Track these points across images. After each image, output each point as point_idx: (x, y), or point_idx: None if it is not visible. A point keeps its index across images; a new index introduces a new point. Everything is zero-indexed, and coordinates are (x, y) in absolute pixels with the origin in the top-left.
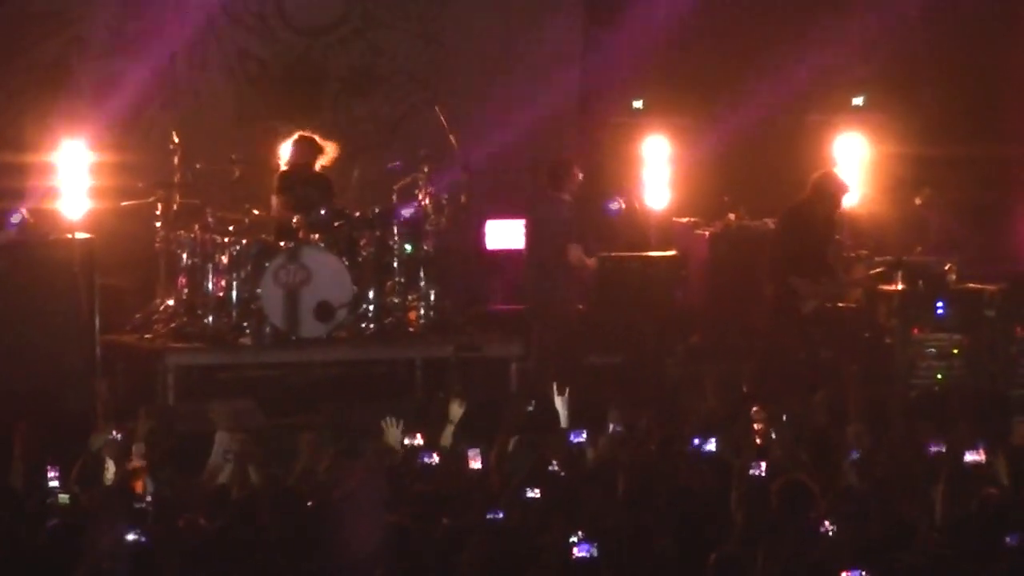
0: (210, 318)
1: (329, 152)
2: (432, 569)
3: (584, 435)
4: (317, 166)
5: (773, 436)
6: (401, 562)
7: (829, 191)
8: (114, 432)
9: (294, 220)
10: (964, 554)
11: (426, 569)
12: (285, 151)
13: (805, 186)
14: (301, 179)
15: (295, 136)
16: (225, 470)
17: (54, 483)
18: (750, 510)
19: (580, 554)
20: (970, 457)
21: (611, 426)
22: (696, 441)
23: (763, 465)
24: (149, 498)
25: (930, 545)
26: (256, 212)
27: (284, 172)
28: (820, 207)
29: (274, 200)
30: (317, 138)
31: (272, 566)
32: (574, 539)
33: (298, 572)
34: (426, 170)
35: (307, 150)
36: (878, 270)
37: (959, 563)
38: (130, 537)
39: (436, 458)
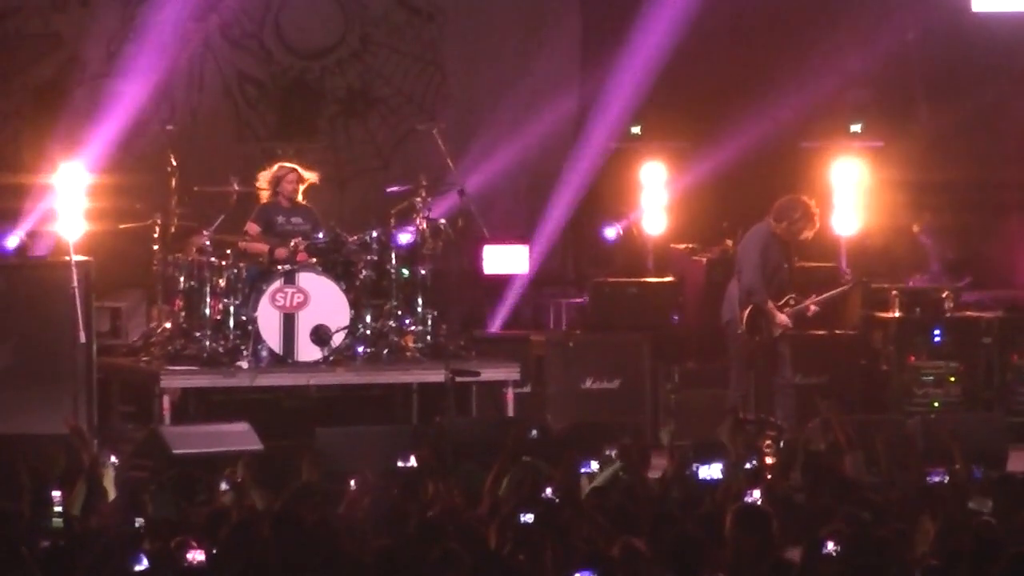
0: (207, 341)
1: (311, 180)
2: None
3: (593, 465)
4: (300, 196)
5: (769, 461)
6: None
7: (793, 216)
8: (112, 457)
9: (274, 251)
10: None
11: None
12: (266, 179)
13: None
14: (285, 210)
15: (276, 167)
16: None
17: (58, 507)
18: (741, 536)
19: None
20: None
21: (607, 451)
22: (694, 466)
23: (756, 492)
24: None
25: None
26: None
27: (266, 204)
28: (779, 230)
29: (250, 227)
30: (299, 168)
31: None
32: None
33: None
34: (424, 194)
35: (289, 176)
36: (839, 290)
37: None
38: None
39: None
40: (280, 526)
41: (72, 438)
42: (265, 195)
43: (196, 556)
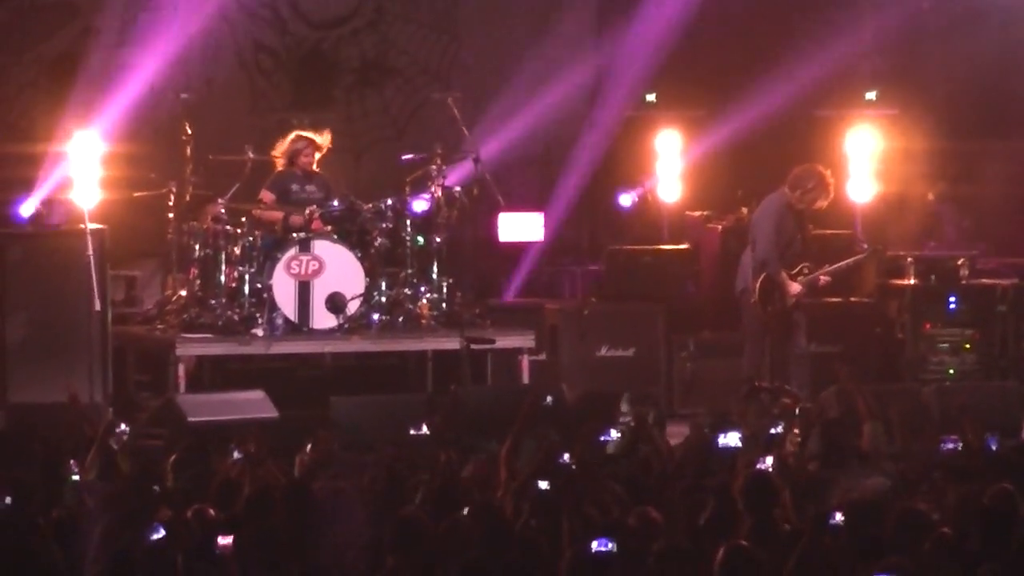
0: (222, 309)
1: (325, 147)
2: (441, 561)
3: (612, 434)
4: (315, 165)
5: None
6: (411, 555)
7: (807, 185)
8: (122, 425)
9: (288, 218)
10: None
11: (434, 561)
12: (282, 150)
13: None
14: (300, 178)
15: (292, 135)
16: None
17: (75, 476)
18: (755, 505)
19: (599, 549)
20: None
21: (621, 419)
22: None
23: (769, 459)
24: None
25: (941, 540)
26: None
27: (281, 172)
28: (794, 199)
29: (264, 195)
30: (316, 137)
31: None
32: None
33: (308, 565)
34: (439, 163)
35: (307, 149)
36: (852, 259)
37: (969, 557)
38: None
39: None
40: (292, 498)
41: (72, 407)
42: (280, 164)
43: (225, 542)
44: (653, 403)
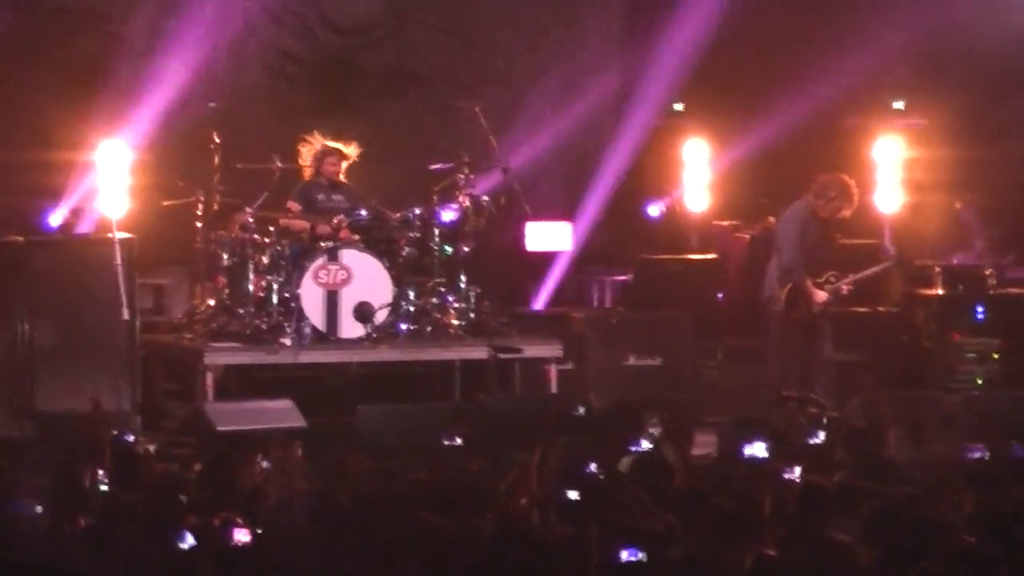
0: (250, 318)
1: (351, 157)
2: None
3: (643, 444)
4: (341, 174)
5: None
6: (437, 562)
7: (829, 194)
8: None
9: (316, 227)
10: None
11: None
12: (308, 159)
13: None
14: (326, 188)
15: (319, 146)
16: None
17: (103, 485)
18: (783, 514)
19: (628, 558)
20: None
21: (649, 428)
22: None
23: (797, 469)
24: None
25: (961, 548)
26: None
27: (307, 182)
28: (818, 207)
29: (291, 205)
30: (342, 146)
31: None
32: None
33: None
34: (466, 172)
35: (333, 159)
36: (878, 267)
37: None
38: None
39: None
40: (319, 507)
41: (94, 415)
42: (307, 173)
43: (241, 536)
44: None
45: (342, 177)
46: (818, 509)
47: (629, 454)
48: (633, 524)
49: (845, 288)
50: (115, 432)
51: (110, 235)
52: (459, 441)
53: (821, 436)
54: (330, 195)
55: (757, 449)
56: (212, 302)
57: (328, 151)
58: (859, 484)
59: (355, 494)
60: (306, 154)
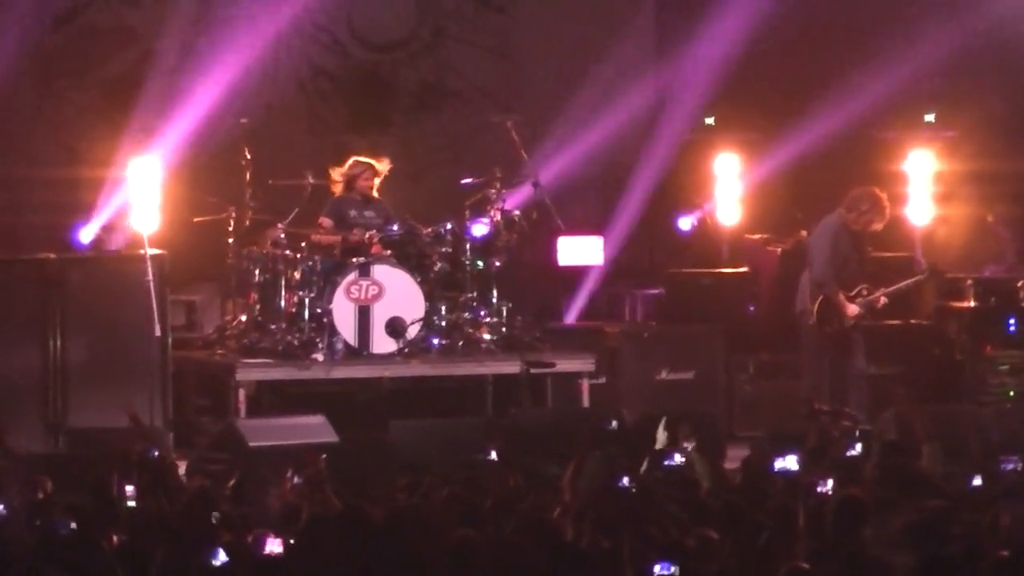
0: (282, 334)
1: (383, 173)
2: None
3: (676, 458)
4: (374, 190)
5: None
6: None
7: (861, 207)
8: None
9: (354, 233)
10: None
11: None
12: (340, 175)
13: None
14: (358, 203)
15: (351, 161)
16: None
17: (130, 501)
18: (816, 526)
19: (661, 572)
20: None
21: (682, 442)
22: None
23: (830, 482)
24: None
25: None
26: None
27: (339, 198)
28: (850, 220)
29: (323, 221)
30: (374, 163)
31: None
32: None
33: None
34: (498, 186)
35: (366, 174)
36: (911, 280)
37: None
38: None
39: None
40: (350, 522)
41: (133, 428)
42: (339, 188)
43: (274, 547)
44: (693, 428)
45: (375, 193)
46: (854, 522)
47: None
48: (666, 538)
49: (880, 300)
50: (141, 448)
51: (142, 251)
52: (494, 455)
53: (858, 448)
54: (362, 211)
55: (788, 462)
56: (244, 318)
57: (360, 166)
58: (892, 497)
59: (388, 510)
60: (337, 169)
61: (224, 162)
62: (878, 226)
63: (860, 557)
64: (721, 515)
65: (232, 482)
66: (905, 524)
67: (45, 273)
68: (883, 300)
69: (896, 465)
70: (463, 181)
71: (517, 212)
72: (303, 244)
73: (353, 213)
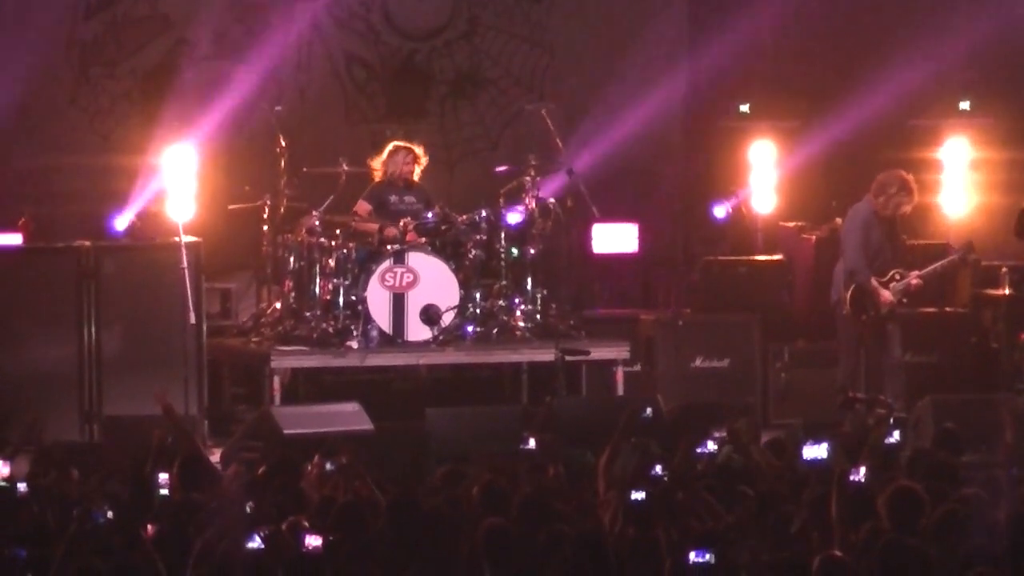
0: (317, 322)
1: (423, 160)
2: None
3: (710, 446)
4: (416, 175)
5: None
6: (504, 566)
7: (889, 191)
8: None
9: (383, 230)
10: None
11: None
12: (380, 161)
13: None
14: (399, 189)
15: (391, 146)
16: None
17: (164, 490)
18: (849, 516)
19: (697, 560)
20: None
21: (716, 431)
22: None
23: (862, 470)
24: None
25: None
26: None
27: (380, 183)
28: (878, 206)
29: (360, 205)
30: (415, 148)
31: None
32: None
33: None
34: (533, 174)
35: (407, 159)
36: (945, 261)
37: None
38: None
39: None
40: (397, 512)
41: (165, 416)
42: (378, 175)
43: (313, 541)
44: (747, 416)
45: (416, 178)
46: (908, 512)
47: (697, 456)
48: (702, 526)
49: (914, 282)
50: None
51: (177, 239)
52: (532, 444)
53: (896, 436)
54: (403, 196)
55: (818, 451)
56: (279, 306)
57: (401, 151)
58: (928, 486)
59: (425, 499)
60: (378, 155)
61: (259, 150)
62: (907, 208)
63: (895, 545)
64: (755, 503)
65: (265, 469)
66: (940, 514)
67: (80, 261)
68: (917, 282)
69: (931, 454)
70: (498, 169)
71: (552, 200)
72: (338, 232)
73: (393, 199)
